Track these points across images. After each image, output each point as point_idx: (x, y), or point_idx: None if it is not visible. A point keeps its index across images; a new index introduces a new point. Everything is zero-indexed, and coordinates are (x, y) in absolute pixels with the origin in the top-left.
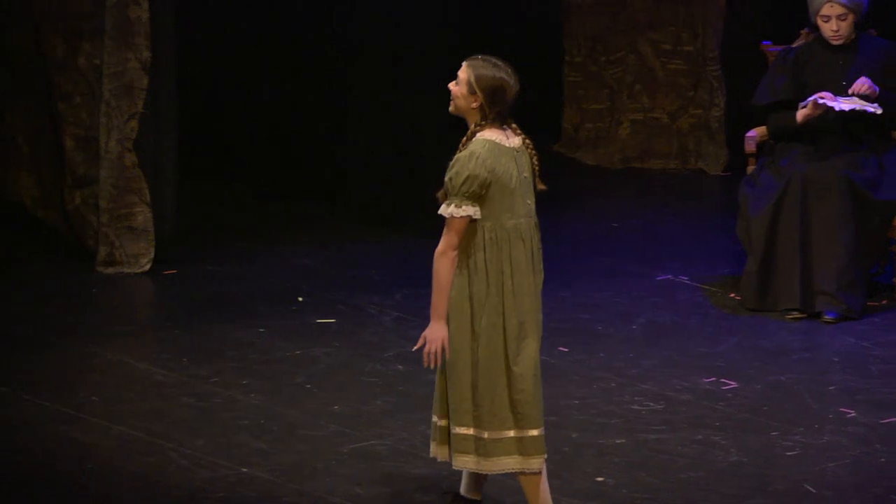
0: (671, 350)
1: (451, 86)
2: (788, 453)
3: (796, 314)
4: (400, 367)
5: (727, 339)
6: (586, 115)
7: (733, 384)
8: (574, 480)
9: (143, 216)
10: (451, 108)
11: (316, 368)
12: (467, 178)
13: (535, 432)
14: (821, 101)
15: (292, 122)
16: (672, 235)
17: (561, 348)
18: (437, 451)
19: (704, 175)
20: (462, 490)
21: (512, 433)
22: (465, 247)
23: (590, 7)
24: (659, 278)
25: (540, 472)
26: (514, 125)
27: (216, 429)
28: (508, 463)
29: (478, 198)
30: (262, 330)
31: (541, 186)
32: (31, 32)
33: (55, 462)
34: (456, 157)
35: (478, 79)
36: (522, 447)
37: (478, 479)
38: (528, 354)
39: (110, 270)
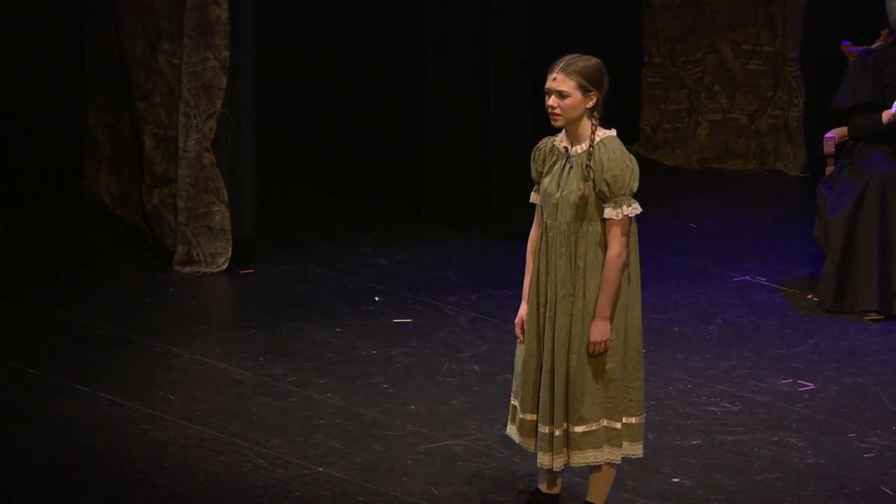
0: (748, 351)
1: (555, 102)
2: (866, 455)
3: (874, 315)
4: (476, 367)
5: (805, 341)
6: (665, 116)
7: (811, 386)
8: (650, 482)
9: (220, 215)
10: (558, 123)
11: (392, 368)
12: (632, 174)
13: (637, 419)
14: None
15: (371, 122)
16: (750, 236)
17: None
18: (552, 460)
19: (783, 176)
20: (542, 486)
21: (634, 420)
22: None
23: (669, 7)
24: (736, 279)
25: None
26: None
27: (292, 428)
28: (628, 447)
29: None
30: (338, 329)
31: None
32: (113, 31)
33: (132, 460)
34: (601, 159)
35: (587, 74)
36: (631, 433)
37: (556, 473)
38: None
39: (188, 270)
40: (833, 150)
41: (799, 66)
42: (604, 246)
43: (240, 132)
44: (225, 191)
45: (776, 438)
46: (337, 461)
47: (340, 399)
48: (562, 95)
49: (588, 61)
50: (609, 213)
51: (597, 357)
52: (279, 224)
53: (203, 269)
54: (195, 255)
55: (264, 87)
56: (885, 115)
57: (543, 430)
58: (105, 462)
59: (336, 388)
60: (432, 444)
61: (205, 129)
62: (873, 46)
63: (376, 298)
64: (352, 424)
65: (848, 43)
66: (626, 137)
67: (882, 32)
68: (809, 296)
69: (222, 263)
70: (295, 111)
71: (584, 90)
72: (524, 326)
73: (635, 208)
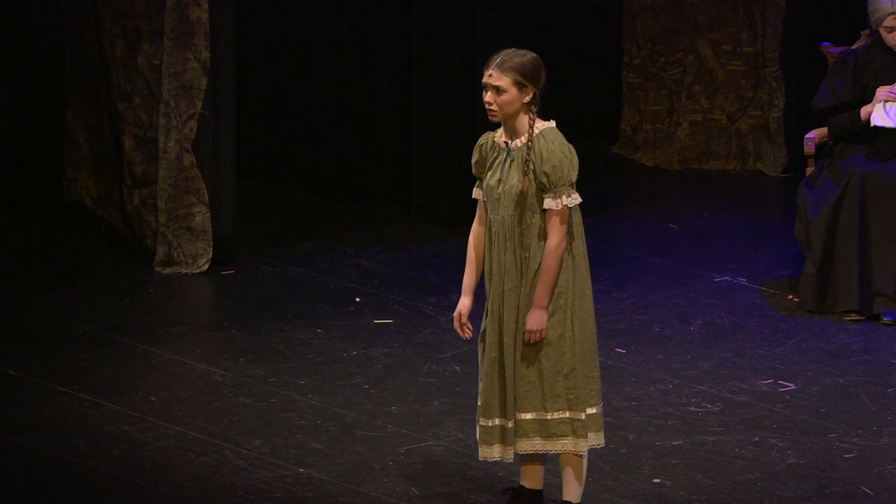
0: (729, 352)
1: (491, 98)
2: (846, 456)
3: (855, 316)
4: (457, 367)
5: (785, 341)
6: (645, 117)
7: (791, 386)
8: (631, 482)
9: (201, 216)
10: (496, 119)
11: (373, 369)
12: (571, 164)
13: (598, 409)
14: (882, 95)
15: (352, 123)
16: (730, 237)
17: (618, 349)
18: (502, 453)
19: (763, 176)
20: (525, 483)
21: (595, 410)
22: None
23: (649, 8)
24: (717, 280)
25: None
26: None
27: (273, 429)
28: (593, 438)
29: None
30: (319, 330)
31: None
32: (92, 31)
33: (112, 461)
34: (540, 150)
35: (522, 70)
36: (594, 424)
37: (538, 469)
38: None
39: (168, 271)
40: (813, 150)
41: (779, 66)
42: (545, 237)
43: (220, 133)
44: (205, 192)
45: (757, 439)
46: (318, 462)
47: (321, 400)
48: (498, 91)
49: (524, 56)
50: (549, 203)
51: (531, 346)
52: (260, 225)
53: (183, 270)
54: (176, 256)
55: (245, 87)
56: (865, 111)
57: (491, 424)
58: (85, 463)
59: (317, 388)
60: (413, 444)
61: (185, 130)
62: (854, 47)
63: (357, 299)
64: (332, 425)
65: (828, 44)
66: (607, 138)
67: (863, 33)
68: (790, 296)
69: (203, 264)
70: (277, 111)
71: (520, 86)
72: (485, 335)
73: (575, 198)
